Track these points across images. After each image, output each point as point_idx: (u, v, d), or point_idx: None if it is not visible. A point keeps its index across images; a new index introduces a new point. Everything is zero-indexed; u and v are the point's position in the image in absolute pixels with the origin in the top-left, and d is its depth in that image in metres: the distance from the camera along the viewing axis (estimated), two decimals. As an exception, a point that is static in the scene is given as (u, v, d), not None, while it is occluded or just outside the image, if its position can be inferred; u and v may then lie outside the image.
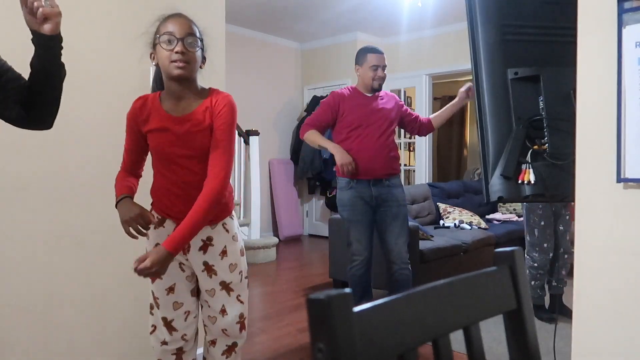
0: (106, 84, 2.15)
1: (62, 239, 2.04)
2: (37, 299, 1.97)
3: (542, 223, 3.15)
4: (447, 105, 3.06)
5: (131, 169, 1.75)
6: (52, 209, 2.01)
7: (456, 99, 2.96)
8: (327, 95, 6.53)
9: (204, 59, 1.69)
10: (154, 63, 1.69)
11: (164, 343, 1.75)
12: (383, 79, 2.93)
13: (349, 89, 2.98)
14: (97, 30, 2.13)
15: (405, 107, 3.08)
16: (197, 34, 1.64)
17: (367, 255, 2.87)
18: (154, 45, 1.66)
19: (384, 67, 2.93)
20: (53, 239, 2.01)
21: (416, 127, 3.10)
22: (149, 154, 1.74)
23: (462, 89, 2.89)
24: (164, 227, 1.72)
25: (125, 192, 1.66)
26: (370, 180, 2.86)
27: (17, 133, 1.92)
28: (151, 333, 1.79)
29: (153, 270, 1.49)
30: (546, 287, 3.28)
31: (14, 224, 1.92)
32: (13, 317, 1.91)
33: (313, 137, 2.91)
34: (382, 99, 2.97)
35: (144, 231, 1.60)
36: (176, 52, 1.58)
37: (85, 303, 2.11)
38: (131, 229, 1.58)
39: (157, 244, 1.68)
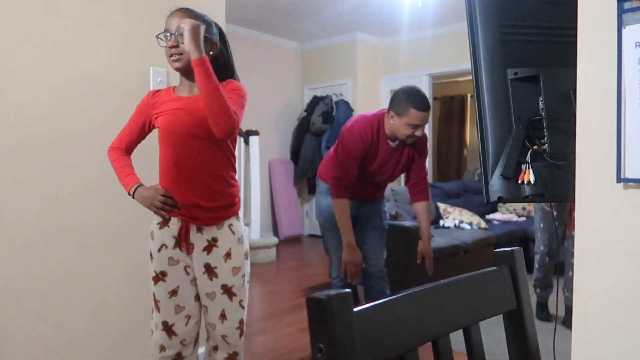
0: (106, 84, 2.15)
1: (62, 239, 2.03)
2: (37, 299, 1.97)
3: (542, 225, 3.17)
4: (422, 227, 2.88)
5: (127, 149, 1.77)
6: (52, 209, 2.01)
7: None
8: (326, 95, 6.64)
9: (213, 45, 1.68)
10: None
11: (162, 349, 1.71)
12: (418, 137, 2.56)
13: (374, 131, 2.57)
14: (97, 31, 2.13)
15: (420, 157, 2.71)
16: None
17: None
18: None
19: (424, 126, 2.55)
20: (53, 239, 2.01)
21: (410, 182, 2.78)
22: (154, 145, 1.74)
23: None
24: (168, 227, 1.69)
25: (138, 182, 1.69)
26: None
27: (18, 133, 1.93)
28: (151, 336, 1.76)
29: None
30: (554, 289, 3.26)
31: (14, 224, 1.92)
32: (13, 317, 1.91)
33: (340, 212, 2.58)
34: (406, 148, 2.68)
35: (170, 205, 1.64)
36: (170, 47, 1.62)
37: (85, 303, 2.11)
38: (159, 210, 1.64)
39: (162, 245, 1.69)
